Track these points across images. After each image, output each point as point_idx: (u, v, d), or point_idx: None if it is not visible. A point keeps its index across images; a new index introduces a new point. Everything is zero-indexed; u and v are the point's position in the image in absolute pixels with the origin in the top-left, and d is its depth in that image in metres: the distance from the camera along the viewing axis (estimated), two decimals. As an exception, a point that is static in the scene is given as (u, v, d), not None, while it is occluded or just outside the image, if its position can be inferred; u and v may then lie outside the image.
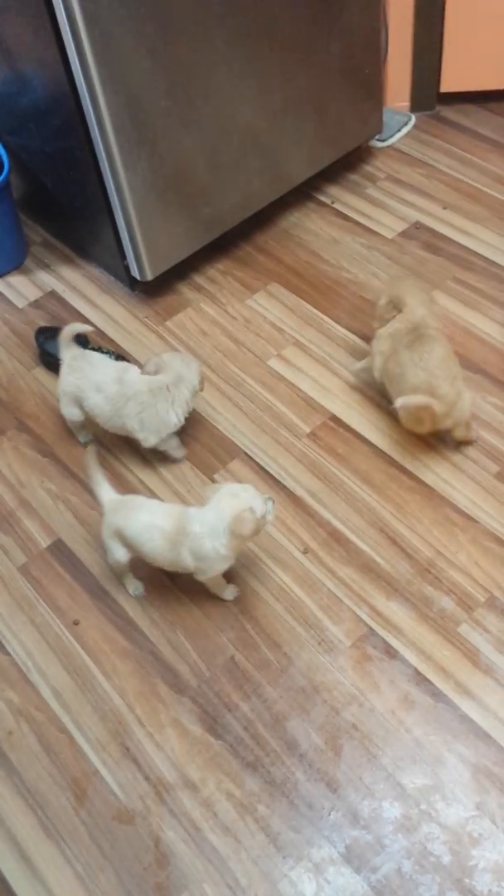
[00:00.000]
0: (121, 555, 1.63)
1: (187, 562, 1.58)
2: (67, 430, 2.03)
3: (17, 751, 1.57)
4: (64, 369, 1.86)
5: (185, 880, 1.40)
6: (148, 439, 1.85)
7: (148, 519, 1.58)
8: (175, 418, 1.84)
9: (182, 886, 1.40)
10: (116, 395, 1.82)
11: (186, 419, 1.87)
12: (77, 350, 1.87)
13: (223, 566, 1.61)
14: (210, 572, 1.61)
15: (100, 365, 1.85)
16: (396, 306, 1.88)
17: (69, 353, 1.86)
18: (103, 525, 1.63)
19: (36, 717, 1.60)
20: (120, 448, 1.98)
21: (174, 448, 1.92)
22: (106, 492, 1.64)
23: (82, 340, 2.12)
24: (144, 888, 1.40)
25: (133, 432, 1.86)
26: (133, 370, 1.86)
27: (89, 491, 1.90)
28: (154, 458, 1.95)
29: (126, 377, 1.83)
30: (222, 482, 1.74)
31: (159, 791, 1.50)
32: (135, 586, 1.73)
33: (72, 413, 1.91)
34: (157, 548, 1.57)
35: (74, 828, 1.47)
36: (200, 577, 1.63)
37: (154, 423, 1.83)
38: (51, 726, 1.59)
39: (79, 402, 1.87)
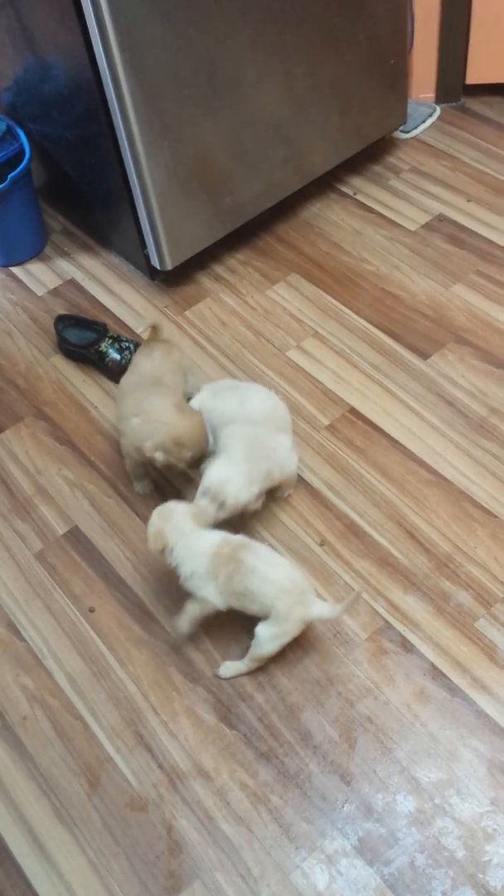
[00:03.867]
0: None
1: None
2: (85, 419, 2.03)
3: (31, 736, 1.57)
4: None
5: (196, 869, 1.40)
6: None
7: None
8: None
9: (194, 875, 1.40)
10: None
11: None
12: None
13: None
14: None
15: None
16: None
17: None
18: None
19: (50, 703, 1.61)
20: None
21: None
22: None
23: (101, 329, 2.12)
24: (156, 875, 1.40)
25: None
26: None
27: (106, 479, 1.91)
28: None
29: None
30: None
31: (173, 779, 1.50)
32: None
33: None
34: None
35: (87, 814, 1.48)
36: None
37: None
38: (65, 712, 1.59)
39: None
